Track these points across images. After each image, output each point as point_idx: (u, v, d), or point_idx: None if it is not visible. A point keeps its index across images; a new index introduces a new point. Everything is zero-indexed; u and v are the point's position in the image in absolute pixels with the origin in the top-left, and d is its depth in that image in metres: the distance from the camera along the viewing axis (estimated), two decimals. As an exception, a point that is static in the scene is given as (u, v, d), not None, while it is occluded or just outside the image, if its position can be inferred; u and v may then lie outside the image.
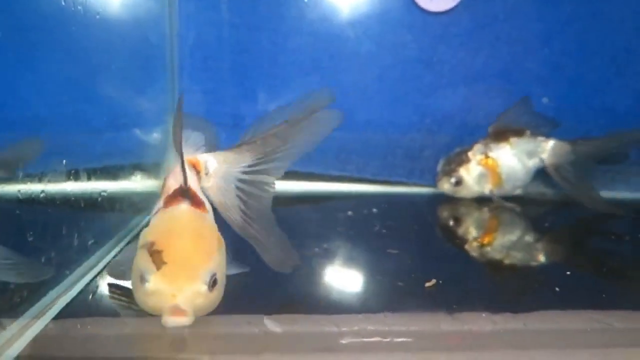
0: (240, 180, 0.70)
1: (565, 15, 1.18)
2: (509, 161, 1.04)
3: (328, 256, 0.83)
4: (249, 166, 0.70)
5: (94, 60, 1.02)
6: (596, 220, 1.05)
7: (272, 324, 0.58)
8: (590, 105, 1.21)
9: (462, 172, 1.03)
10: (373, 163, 1.22)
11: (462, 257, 0.84)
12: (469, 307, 0.62)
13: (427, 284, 0.68)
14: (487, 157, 1.03)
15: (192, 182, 0.65)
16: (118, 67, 1.02)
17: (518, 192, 1.07)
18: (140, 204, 1.00)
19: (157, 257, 0.54)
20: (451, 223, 0.98)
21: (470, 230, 0.95)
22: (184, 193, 0.62)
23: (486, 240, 0.89)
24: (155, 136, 1.13)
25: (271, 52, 1.19)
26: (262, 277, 0.68)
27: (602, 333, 0.58)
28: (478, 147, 1.05)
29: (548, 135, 1.06)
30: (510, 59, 1.20)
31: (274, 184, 0.71)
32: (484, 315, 0.60)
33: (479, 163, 1.03)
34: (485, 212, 1.03)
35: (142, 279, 0.55)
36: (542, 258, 0.85)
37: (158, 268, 0.54)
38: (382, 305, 0.63)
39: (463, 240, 0.91)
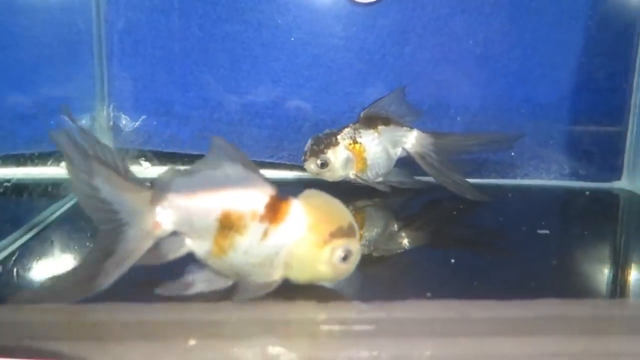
0: None
1: (488, 8, 1.22)
2: (375, 148, 1.06)
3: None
4: None
5: (18, 45, 1.01)
6: (452, 207, 1.09)
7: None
8: (512, 94, 1.26)
9: (330, 154, 1.04)
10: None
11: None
12: (340, 297, 0.65)
13: None
14: (355, 142, 1.05)
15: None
16: (42, 52, 1.02)
17: (380, 179, 1.09)
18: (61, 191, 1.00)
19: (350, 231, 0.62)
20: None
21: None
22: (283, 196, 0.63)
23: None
24: (84, 122, 1.12)
25: (201, 39, 1.19)
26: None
27: (459, 323, 0.60)
28: (347, 131, 1.06)
29: (412, 126, 1.10)
30: (436, 50, 1.23)
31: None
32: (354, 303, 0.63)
33: (346, 147, 1.05)
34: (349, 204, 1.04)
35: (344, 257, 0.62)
36: (406, 245, 0.89)
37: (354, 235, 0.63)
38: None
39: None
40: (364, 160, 1.06)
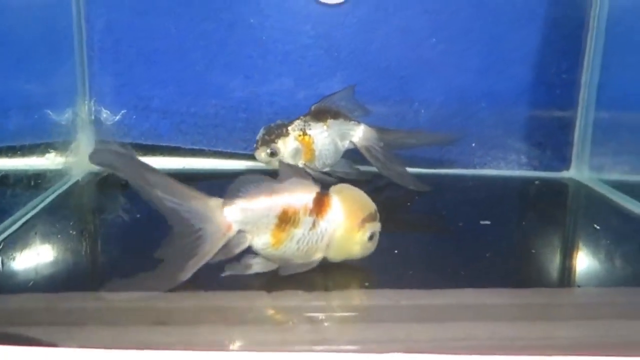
0: None
1: (450, 8, 1.30)
2: (323, 140, 1.12)
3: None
4: None
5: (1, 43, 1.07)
6: (396, 197, 1.16)
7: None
8: (473, 89, 1.34)
9: (280, 144, 1.09)
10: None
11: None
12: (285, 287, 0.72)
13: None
14: (304, 133, 1.11)
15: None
16: (24, 50, 1.07)
17: (327, 169, 1.16)
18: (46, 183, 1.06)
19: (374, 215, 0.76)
20: None
21: None
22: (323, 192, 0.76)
23: None
24: (66, 117, 1.19)
25: (178, 38, 1.26)
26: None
27: (387, 310, 0.69)
28: (298, 123, 1.12)
29: (359, 121, 1.17)
30: (401, 47, 1.31)
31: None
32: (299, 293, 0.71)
33: (296, 138, 1.10)
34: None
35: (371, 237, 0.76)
36: None
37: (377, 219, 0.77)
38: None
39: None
40: (312, 151, 1.12)
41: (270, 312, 0.69)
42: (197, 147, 1.31)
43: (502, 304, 0.72)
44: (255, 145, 1.11)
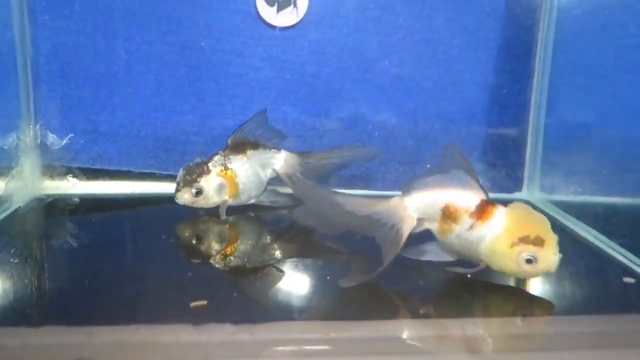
0: None
1: (402, 31, 1.31)
2: (246, 172, 1.10)
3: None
4: None
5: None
6: None
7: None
8: (426, 110, 1.34)
9: (203, 182, 1.07)
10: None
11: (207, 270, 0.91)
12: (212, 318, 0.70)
13: (194, 304, 0.74)
14: (226, 168, 1.09)
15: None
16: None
17: (253, 201, 1.15)
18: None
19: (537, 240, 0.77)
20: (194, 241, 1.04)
21: (213, 245, 1.02)
22: (491, 201, 0.83)
23: (229, 250, 0.98)
24: (9, 141, 1.16)
25: (126, 61, 1.24)
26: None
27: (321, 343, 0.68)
28: (218, 158, 1.10)
29: (279, 147, 1.15)
30: (353, 70, 1.31)
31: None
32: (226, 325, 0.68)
33: (218, 174, 1.09)
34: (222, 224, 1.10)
35: (528, 260, 0.77)
36: (278, 256, 0.97)
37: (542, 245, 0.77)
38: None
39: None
40: (236, 185, 1.10)
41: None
42: (147, 171, 1.29)
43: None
44: (176, 188, 1.08)
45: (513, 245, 0.78)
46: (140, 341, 0.66)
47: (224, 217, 1.10)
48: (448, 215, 0.84)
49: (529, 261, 0.77)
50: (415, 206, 0.86)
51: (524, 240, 0.77)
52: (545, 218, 0.80)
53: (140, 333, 0.67)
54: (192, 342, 0.66)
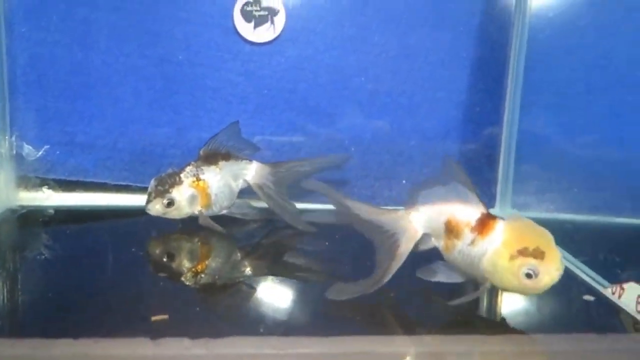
0: None
1: (378, 48, 1.33)
2: (218, 183, 1.11)
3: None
4: None
5: None
6: (289, 237, 1.16)
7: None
8: (402, 126, 1.36)
9: (175, 193, 1.07)
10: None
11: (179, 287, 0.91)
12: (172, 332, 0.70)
13: (155, 318, 0.74)
14: (198, 179, 1.09)
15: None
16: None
17: (224, 212, 1.15)
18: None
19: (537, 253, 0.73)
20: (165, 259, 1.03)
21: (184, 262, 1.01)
22: (492, 215, 0.81)
23: (200, 267, 0.98)
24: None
25: (105, 73, 1.25)
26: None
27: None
28: (190, 169, 1.10)
29: (251, 159, 1.16)
30: (330, 86, 1.33)
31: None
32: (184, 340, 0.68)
33: (190, 185, 1.09)
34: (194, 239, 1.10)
35: (528, 275, 0.74)
36: (248, 273, 0.97)
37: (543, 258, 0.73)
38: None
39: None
40: (208, 195, 1.10)
41: None
42: (123, 183, 1.30)
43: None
44: (147, 199, 1.07)
45: (512, 258, 0.74)
46: (98, 355, 0.66)
47: (219, 228, 1.10)
48: (450, 229, 0.82)
49: (529, 276, 0.73)
50: (420, 220, 0.85)
51: (523, 252, 0.74)
52: (546, 231, 0.77)
53: (98, 346, 0.67)
54: (149, 356, 0.66)
